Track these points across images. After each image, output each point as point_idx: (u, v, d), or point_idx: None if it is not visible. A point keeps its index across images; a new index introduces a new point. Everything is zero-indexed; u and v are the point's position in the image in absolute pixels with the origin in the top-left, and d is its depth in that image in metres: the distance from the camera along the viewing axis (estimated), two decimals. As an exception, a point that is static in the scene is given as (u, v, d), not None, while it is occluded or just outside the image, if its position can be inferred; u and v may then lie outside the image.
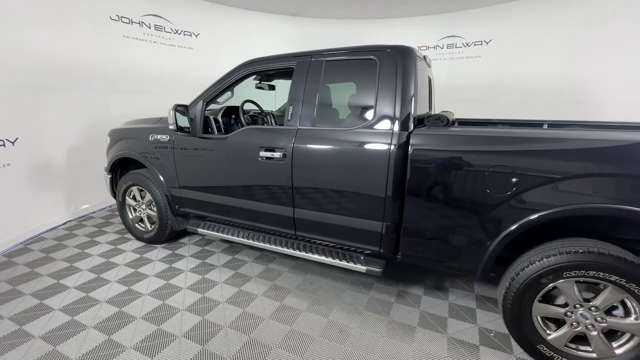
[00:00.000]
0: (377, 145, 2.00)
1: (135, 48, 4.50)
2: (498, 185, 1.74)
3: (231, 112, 3.14)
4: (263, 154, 2.35)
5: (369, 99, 2.14)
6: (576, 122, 2.69)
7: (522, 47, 5.02)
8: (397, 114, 2.00)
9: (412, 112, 2.02)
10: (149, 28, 4.66)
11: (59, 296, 2.35)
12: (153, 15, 4.67)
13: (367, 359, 1.81)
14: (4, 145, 3.08)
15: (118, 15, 4.26)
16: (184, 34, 5.11)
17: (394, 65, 2.05)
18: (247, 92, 3.21)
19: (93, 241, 3.28)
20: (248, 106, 3.44)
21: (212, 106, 2.94)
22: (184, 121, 2.66)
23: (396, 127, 1.98)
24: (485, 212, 1.80)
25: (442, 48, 5.84)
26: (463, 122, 3.06)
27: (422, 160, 1.91)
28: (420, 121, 2.15)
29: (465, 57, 5.63)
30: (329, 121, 2.33)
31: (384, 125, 2.03)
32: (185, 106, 2.69)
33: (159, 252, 3.06)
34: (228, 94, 2.81)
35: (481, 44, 5.46)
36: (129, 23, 4.40)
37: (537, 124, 2.75)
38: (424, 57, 2.50)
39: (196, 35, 5.25)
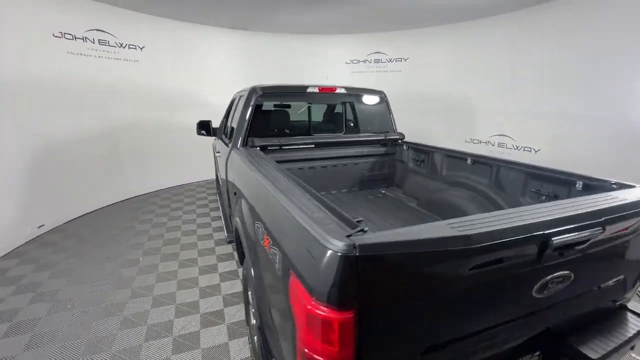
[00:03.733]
0: (226, 151, 2.96)
1: (80, 63, 4.49)
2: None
3: None
4: (216, 153, 3.76)
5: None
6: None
7: (431, 64, 6.24)
8: (234, 132, 2.90)
9: (243, 132, 2.82)
10: (93, 43, 4.66)
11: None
12: (97, 30, 4.68)
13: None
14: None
15: (61, 32, 4.23)
16: (129, 47, 5.16)
17: (244, 99, 2.93)
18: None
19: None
20: None
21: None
22: (207, 129, 3.97)
23: (234, 142, 2.84)
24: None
25: (371, 62, 6.83)
26: (410, 145, 3.43)
27: (230, 162, 2.78)
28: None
29: (390, 70, 6.70)
30: (230, 135, 3.20)
31: (236, 140, 2.86)
32: (207, 121, 3.94)
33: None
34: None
35: (401, 61, 6.57)
36: (73, 39, 4.38)
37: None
38: (311, 88, 3.07)
39: (141, 48, 5.33)
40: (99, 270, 3.18)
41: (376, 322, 0.88)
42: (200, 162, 6.03)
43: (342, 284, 0.81)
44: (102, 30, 4.74)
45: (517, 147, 5.23)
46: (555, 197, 2.01)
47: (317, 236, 0.92)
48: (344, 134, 3.51)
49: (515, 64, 5.10)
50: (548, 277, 1.14)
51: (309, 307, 0.86)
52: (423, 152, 3.26)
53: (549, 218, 1.10)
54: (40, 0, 3.97)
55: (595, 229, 1.15)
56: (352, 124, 3.56)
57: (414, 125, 6.24)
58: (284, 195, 1.34)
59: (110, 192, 5.13)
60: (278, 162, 3.16)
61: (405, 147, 3.49)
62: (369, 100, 3.59)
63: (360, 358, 0.88)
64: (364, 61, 6.86)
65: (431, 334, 1.03)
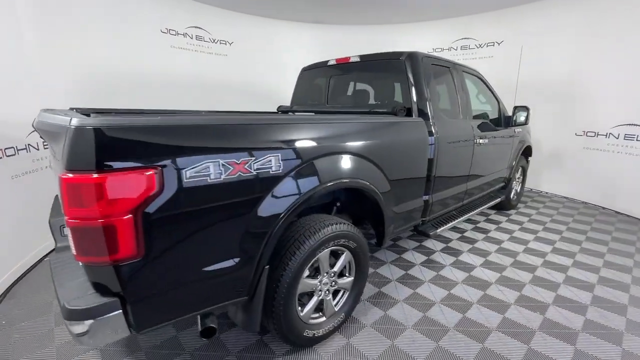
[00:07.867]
0: None
1: (180, 56, 5.03)
2: None
3: None
4: None
5: None
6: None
7: (531, 47, 5.39)
8: None
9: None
10: (192, 38, 5.19)
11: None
12: (195, 27, 5.21)
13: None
14: (37, 149, 2.95)
15: (167, 28, 4.80)
16: (220, 43, 5.63)
17: None
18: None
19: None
20: None
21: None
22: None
23: None
24: None
25: (456, 49, 6.24)
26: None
27: None
28: None
29: (479, 57, 6.01)
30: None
31: None
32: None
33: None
34: None
35: (493, 45, 5.84)
36: (176, 35, 4.94)
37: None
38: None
39: (230, 44, 5.76)
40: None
41: None
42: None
43: None
44: (199, 27, 5.26)
45: (656, 140, 4.11)
46: None
47: None
48: (352, 106, 3.18)
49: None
50: None
51: None
52: None
53: None
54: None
55: None
56: (366, 96, 3.10)
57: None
58: None
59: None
60: None
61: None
62: (384, 67, 2.85)
63: None
64: (449, 49, 6.29)
65: None
